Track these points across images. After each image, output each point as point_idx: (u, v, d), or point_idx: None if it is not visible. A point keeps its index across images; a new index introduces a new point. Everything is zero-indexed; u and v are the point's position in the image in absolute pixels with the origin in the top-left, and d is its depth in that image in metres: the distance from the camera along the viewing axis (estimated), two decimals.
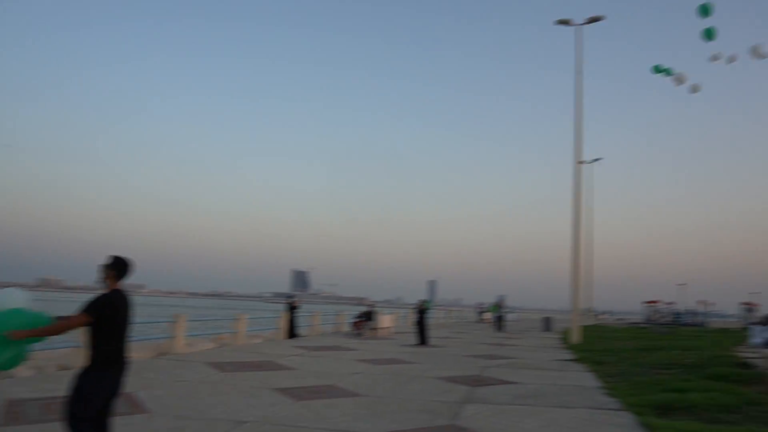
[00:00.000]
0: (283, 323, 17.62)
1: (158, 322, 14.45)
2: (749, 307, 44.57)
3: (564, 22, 22.46)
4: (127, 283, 4.05)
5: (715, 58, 19.87)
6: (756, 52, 19.80)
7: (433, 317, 29.26)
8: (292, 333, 17.53)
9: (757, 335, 12.14)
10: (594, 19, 22.16)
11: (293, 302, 18.33)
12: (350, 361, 12.18)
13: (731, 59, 20.20)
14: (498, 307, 29.13)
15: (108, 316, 3.83)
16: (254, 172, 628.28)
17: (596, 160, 43.15)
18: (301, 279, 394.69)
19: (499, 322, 27.95)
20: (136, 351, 10.97)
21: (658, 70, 21.13)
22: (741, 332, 29.10)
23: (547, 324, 30.32)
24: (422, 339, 17.67)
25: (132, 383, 8.00)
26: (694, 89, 20.88)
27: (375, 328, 20.85)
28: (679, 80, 20.79)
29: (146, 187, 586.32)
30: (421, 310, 18.42)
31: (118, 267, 3.98)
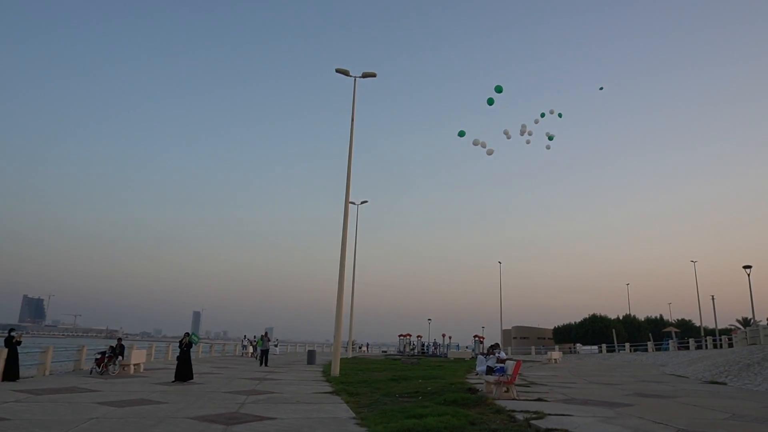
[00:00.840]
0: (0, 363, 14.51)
1: None
2: (479, 340, 52.37)
3: (343, 72, 24.22)
4: None
5: (506, 133, 25.12)
6: (506, 134, 25.49)
7: (194, 351, 27.44)
8: (11, 374, 14.55)
9: (481, 364, 14.25)
10: (368, 75, 24.38)
11: (15, 336, 15.30)
12: (87, 404, 10.60)
13: (508, 136, 25.57)
14: (263, 340, 28.76)
15: None
16: None
17: (363, 202, 46.80)
18: (34, 308, 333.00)
19: (263, 355, 27.55)
20: None
21: (461, 134, 25.33)
22: (472, 361, 33.93)
23: (311, 357, 30.94)
24: (184, 375, 16.40)
25: None
26: (489, 152, 25.31)
27: (125, 365, 18.66)
28: (481, 145, 25.08)
29: None
30: (186, 344, 17.16)
31: None
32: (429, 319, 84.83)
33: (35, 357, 17.12)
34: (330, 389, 15.15)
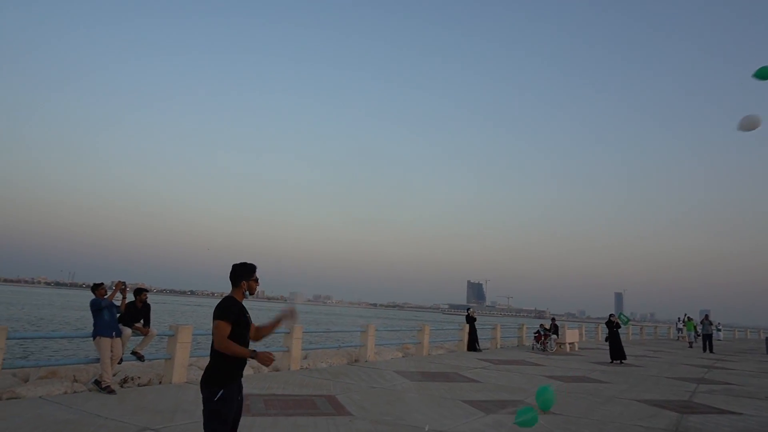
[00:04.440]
0: (464, 335, 17.69)
1: (348, 331, 15.56)
2: None
3: None
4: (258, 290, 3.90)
5: None
6: None
7: (623, 332, 26.80)
8: (472, 345, 17.50)
9: None
10: None
11: (471, 313, 18.33)
12: (536, 376, 11.76)
13: None
14: (704, 324, 25.57)
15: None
16: (431, 189, 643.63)
17: None
18: (476, 291, 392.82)
19: (705, 341, 24.52)
20: (334, 357, 11.99)
21: None
22: None
23: None
24: (619, 355, 16.29)
25: (333, 387, 8.77)
26: None
27: (560, 343, 19.85)
28: None
29: (332, 209, 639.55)
30: (615, 324, 17.03)
31: None
32: None
33: (487, 333, 20.11)
34: None
